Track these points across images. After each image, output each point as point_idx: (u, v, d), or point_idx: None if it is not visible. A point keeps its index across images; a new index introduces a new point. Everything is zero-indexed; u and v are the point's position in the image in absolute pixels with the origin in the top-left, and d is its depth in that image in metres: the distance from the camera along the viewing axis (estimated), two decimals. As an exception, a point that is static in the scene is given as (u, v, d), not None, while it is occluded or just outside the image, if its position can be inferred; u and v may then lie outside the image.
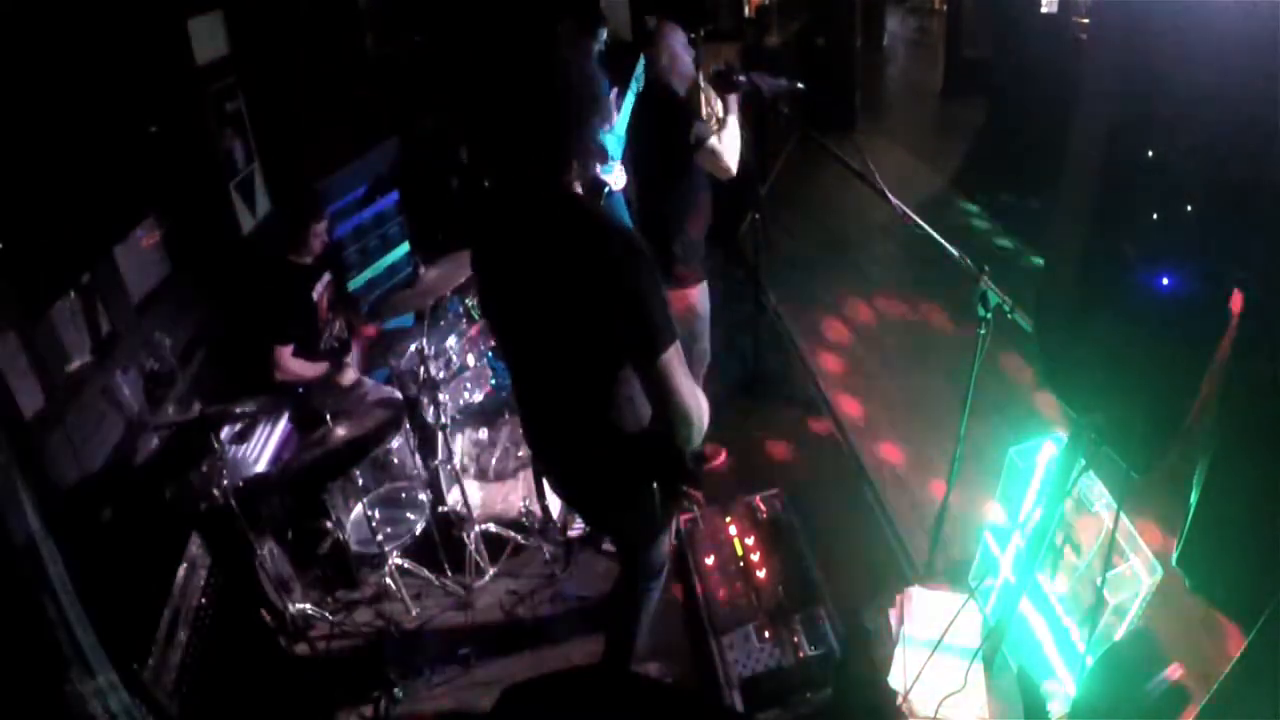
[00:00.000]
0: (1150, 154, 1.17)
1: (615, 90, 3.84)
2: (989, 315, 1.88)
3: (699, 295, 2.96)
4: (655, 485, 1.74)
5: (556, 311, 1.52)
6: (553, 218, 1.49)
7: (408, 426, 2.87)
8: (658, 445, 1.63)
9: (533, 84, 1.40)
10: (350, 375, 3.03)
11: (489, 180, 1.66)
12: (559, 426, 1.79)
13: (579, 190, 1.53)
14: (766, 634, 2.36)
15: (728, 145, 2.74)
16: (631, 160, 3.09)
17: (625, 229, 1.51)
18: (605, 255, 1.43)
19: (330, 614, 2.69)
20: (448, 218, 4.11)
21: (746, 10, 6.66)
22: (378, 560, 2.74)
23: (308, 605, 2.65)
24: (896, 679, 2.13)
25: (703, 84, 3.23)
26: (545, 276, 1.50)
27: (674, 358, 1.46)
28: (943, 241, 2.00)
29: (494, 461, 3.19)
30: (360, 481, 2.74)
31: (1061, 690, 2.02)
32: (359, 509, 2.77)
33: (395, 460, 2.90)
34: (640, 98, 3.01)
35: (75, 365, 2.28)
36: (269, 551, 2.56)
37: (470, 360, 3.28)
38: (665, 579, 2.11)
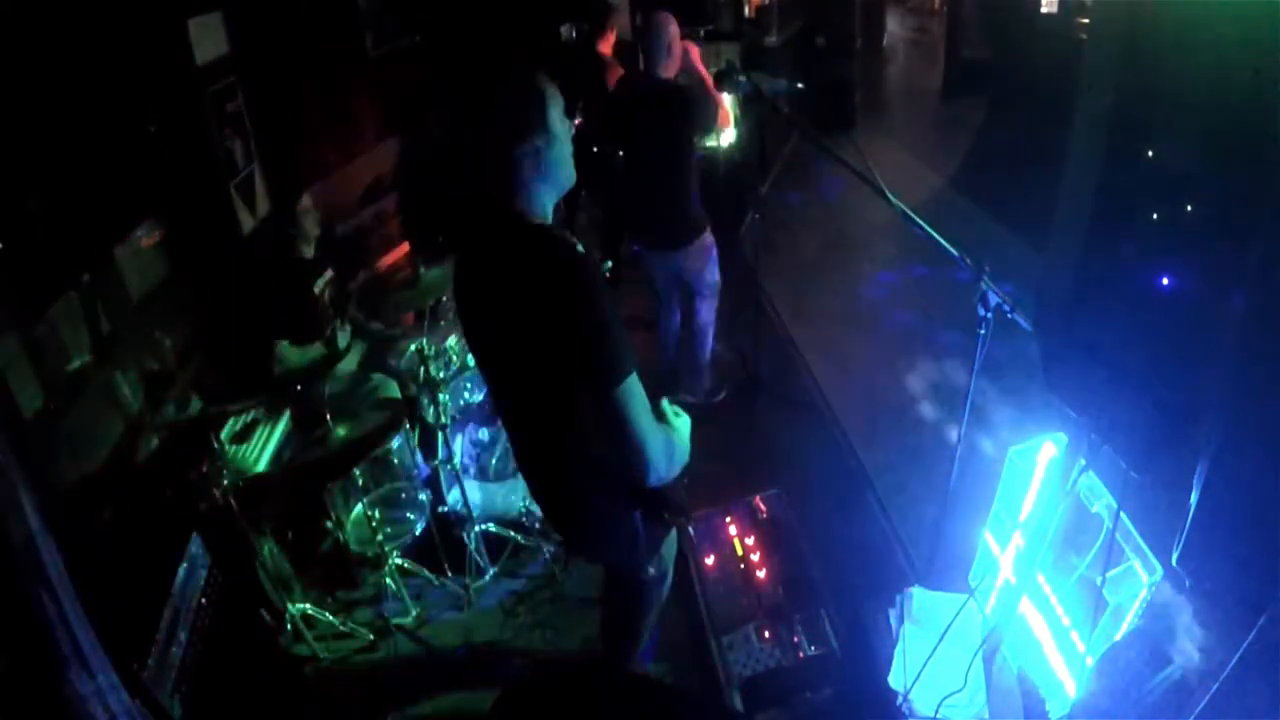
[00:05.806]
0: (1150, 154, 1.18)
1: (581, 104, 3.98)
2: (989, 315, 1.88)
3: (709, 240, 3.36)
4: (638, 516, 1.70)
5: (523, 339, 1.49)
6: (516, 245, 1.47)
7: (408, 426, 2.87)
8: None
9: (476, 99, 1.41)
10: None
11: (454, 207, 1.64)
12: (538, 456, 1.75)
13: (536, 218, 1.50)
14: (766, 634, 2.36)
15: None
16: (629, 151, 3.35)
17: (586, 256, 1.47)
18: (565, 281, 1.40)
19: (330, 614, 2.69)
20: (447, 219, 4.11)
21: (746, 10, 6.65)
22: (378, 560, 2.74)
23: (308, 605, 2.65)
24: (896, 679, 2.13)
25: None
26: (510, 304, 1.48)
27: (631, 390, 1.41)
28: (943, 241, 1.99)
29: (494, 461, 3.19)
30: (360, 481, 2.73)
31: (1061, 690, 2.02)
32: (359, 509, 2.77)
33: (395, 460, 2.90)
34: (638, 92, 3.12)
35: (75, 365, 2.28)
36: (269, 551, 2.56)
37: (470, 360, 3.27)
38: (664, 598, 2.03)
